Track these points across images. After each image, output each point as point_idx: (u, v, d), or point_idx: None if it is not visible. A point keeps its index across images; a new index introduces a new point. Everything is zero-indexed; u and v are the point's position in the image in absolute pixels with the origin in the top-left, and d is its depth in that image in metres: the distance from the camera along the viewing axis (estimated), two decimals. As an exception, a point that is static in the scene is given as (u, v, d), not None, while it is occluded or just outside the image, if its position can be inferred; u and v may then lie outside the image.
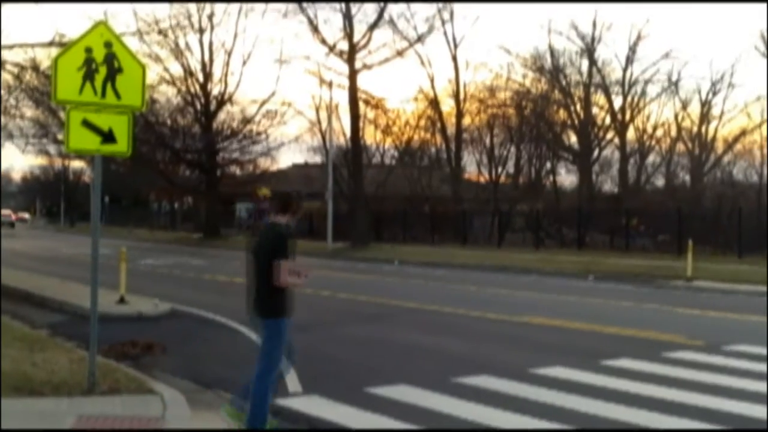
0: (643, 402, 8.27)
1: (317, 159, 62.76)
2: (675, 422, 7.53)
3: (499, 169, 57.89)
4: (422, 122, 59.31)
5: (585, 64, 55.93)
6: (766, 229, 32.83)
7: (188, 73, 54.02)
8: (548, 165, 59.00)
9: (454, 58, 55.54)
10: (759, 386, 8.99)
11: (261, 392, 6.77)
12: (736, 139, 56.37)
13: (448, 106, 58.42)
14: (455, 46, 55.11)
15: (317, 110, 56.81)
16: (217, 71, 55.13)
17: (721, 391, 8.79)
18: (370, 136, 59.84)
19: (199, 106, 55.42)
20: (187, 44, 53.02)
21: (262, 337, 6.89)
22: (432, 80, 56.24)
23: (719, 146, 57.38)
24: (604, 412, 7.90)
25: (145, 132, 52.68)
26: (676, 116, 57.36)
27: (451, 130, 57.23)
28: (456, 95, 56.39)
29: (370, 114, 56.06)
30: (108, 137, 8.21)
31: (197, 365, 10.36)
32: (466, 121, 57.51)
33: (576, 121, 56.39)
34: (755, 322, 14.96)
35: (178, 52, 52.37)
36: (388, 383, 9.03)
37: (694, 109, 57.16)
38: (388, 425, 7.49)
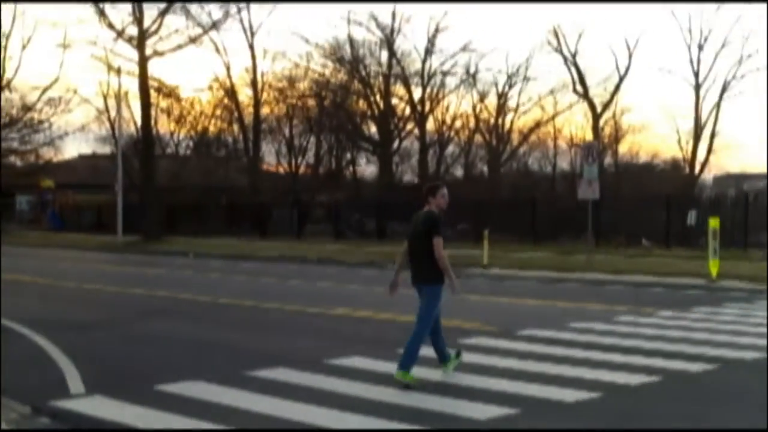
0: (439, 388, 8.24)
1: (106, 149, 60.15)
2: (471, 406, 7.50)
3: (299, 160, 57.76)
4: (218, 111, 58.19)
5: (384, 55, 56.63)
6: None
7: (-40, 57, 50.14)
8: (348, 155, 59.48)
9: (251, 47, 54.86)
10: (554, 369, 9.16)
11: (416, 343, 8.29)
12: (530, 131, 59.02)
13: (245, 95, 57.64)
14: (252, 34, 54.44)
15: (105, 98, 54.55)
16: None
17: (516, 374, 8.88)
18: (164, 125, 57.99)
19: (-27, 93, 51.52)
20: (-42, 26, 49.34)
21: (424, 300, 8.38)
22: (228, 69, 55.32)
23: (515, 138, 59.78)
24: (401, 399, 7.78)
25: None
26: (474, 108, 58.96)
27: (248, 119, 56.46)
28: (254, 84, 55.67)
29: (163, 102, 54.38)
30: None
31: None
32: (265, 110, 56.99)
33: (376, 112, 57.07)
34: (546, 307, 15.50)
35: (-53, 35, 48.70)
36: (179, 380, 8.53)
37: (491, 102, 58.87)
38: (179, 423, 7.04)
